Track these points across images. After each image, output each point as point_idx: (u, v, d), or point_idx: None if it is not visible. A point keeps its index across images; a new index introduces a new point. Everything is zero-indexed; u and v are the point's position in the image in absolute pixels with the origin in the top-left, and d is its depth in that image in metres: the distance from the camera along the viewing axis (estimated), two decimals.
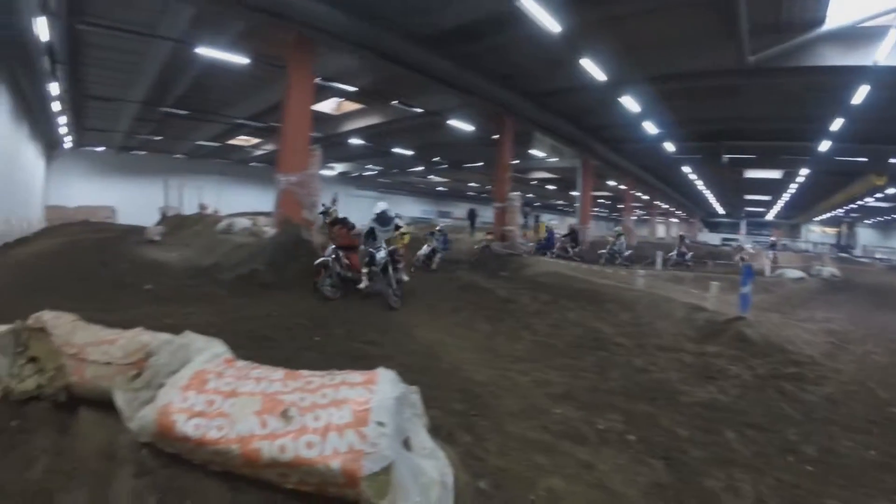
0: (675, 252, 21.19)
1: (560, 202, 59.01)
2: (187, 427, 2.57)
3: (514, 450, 3.54)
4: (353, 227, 10.63)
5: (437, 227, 16.35)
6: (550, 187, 45.94)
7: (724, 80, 15.17)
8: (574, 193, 30.20)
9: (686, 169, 31.85)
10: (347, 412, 2.43)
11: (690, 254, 21.23)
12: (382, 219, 9.85)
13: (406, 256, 11.32)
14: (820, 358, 6.51)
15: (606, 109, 19.50)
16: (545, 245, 20.40)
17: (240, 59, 15.01)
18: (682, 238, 23.67)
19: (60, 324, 3.50)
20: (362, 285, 9.49)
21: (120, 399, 2.90)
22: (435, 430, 3.24)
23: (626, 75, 15.35)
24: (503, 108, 18.86)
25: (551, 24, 11.05)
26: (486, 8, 11.98)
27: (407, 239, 11.47)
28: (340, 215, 11.04)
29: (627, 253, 19.87)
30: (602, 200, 53.64)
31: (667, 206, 50.65)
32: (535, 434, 3.88)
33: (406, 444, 2.55)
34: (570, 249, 19.92)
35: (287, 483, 2.42)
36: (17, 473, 2.83)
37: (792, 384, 5.41)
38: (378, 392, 2.54)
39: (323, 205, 12.33)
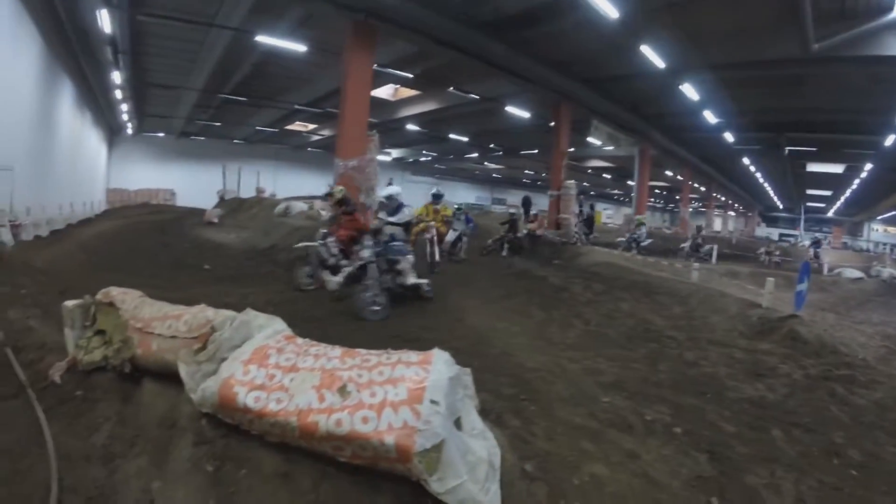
0: (688, 244, 20.50)
1: (616, 191, 58.15)
2: (248, 399, 2.68)
3: (560, 435, 3.55)
4: (352, 210, 8.88)
5: (456, 206, 14.71)
6: (607, 176, 45.37)
7: (788, 69, 14.69)
8: (630, 183, 29.70)
9: (745, 160, 31.04)
10: (403, 390, 2.49)
11: (707, 247, 20.33)
12: (390, 205, 8.65)
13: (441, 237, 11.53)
14: (873, 361, 6.25)
15: (665, 97, 19.15)
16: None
17: (298, 47, 15.24)
18: (698, 229, 22.90)
19: (128, 299, 3.68)
20: (332, 285, 7.83)
21: (184, 371, 3.03)
22: (485, 413, 3.28)
23: (686, 63, 15.06)
24: (560, 94, 18.68)
25: (609, 10, 10.91)
26: None
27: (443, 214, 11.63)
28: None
29: (646, 242, 19.07)
30: (658, 191, 52.61)
31: (724, 199, 49.26)
32: (583, 420, 3.88)
33: (457, 424, 2.59)
34: (584, 236, 19.09)
35: (341, 456, 2.50)
36: (82, 439, 3.00)
37: (842, 386, 5.23)
38: (433, 372, 2.58)
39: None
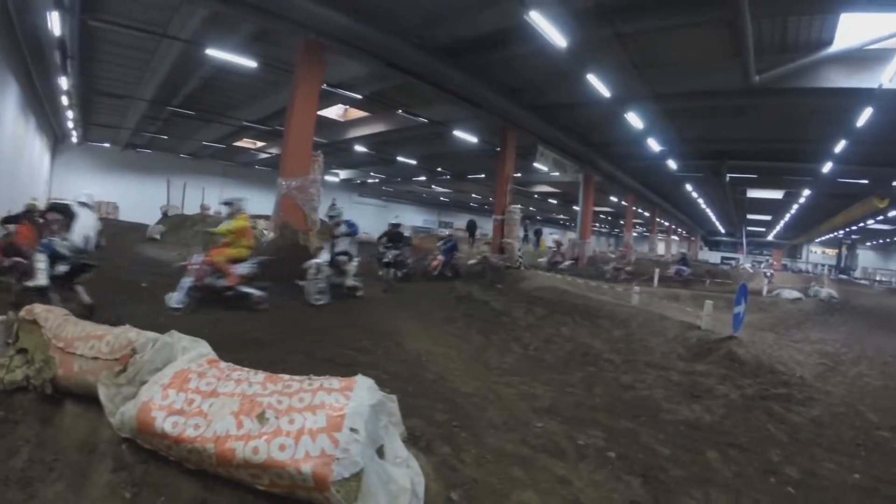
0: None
1: (562, 216, 59.10)
2: (166, 424, 2.63)
3: (490, 462, 3.54)
4: None
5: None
6: (553, 201, 45.90)
7: (730, 99, 15.26)
8: (576, 208, 30.27)
9: (688, 187, 31.96)
10: (322, 417, 2.48)
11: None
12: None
13: None
14: (811, 379, 6.48)
15: (611, 125, 19.56)
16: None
17: (248, 62, 15.08)
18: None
19: (51, 317, 3.58)
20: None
21: (103, 394, 2.97)
22: (414, 440, 3.27)
23: (631, 92, 15.46)
24: (507, 120, 18.94)
25: (558, 39, 11.09)
26: (496, 21, 12.03)
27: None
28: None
29: (566, 264, 20.24)
30: (603, 216, 53.69)
31: (668, 224, 50.61)
32: (514, 447, 3.88)
33: (380, 452, 2.59)
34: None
35: (259, 484, 2.47)
36: (1, 462, 2.89)
37: (779, 405, 5.37)
38: (354, 399, 2.59)
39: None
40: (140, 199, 31.84)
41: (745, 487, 3.61)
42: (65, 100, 22.21)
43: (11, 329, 3.64)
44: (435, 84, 15.12)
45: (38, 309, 3.64)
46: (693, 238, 59.40)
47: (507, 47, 13.23)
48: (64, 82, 19.04)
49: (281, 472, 2.36)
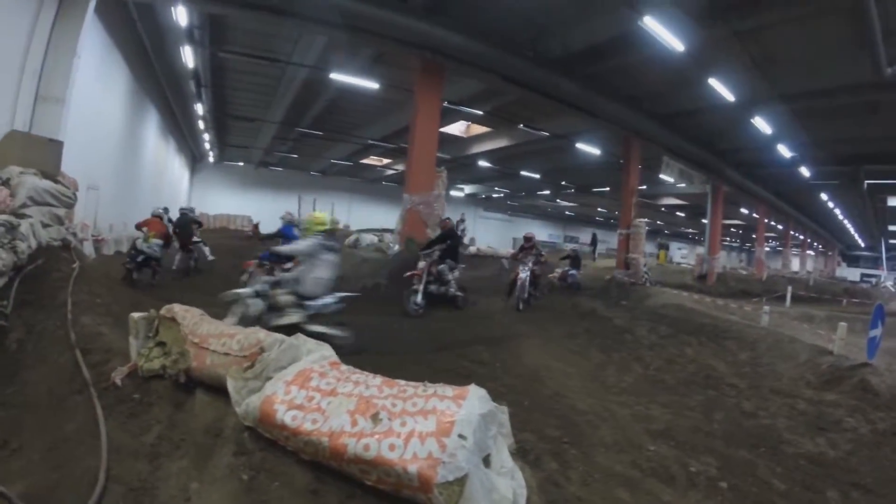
0: (558, 271, 16.54)
1: (690, 230, 56.47)
2: (286, 417, 2.83)
3: (597, 482, 3.49)
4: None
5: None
6: (680, 214, 44.13)
7: (860, 95, 13.90)
8: (704, 221, 28.86)
9: (823, 196, 29.54)
10: (433, 422, 2.56)
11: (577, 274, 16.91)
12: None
13: None
14: None
15: (737, 131, 18.56)
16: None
17: (371, 84, 15.75)
18: (573, 253, 20.23)
19: (188, 316, 3.94)
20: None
21: (231, 386, 3.23)
22: (524, 453, 3.28)
23: (755, 95, 14.62)
24: (629, 130, 18.44)
25: (675, 43, 10.78)
26: (609, 29, 11.86)
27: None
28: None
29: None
30: (734, 229, 50.68)
31: (803, 237, 46.93)
32: (623, 468, 3.79)
33: (486, 461, 2.62)
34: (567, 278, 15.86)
35: (367, 479, 2.59)
36: (133, 437, 3.27)
37: None
38: (465, 407, 2.64)
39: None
40: (273, 213, 33.79)
41: None
42: (201, 124, 24.55)
43: (152, 324, 4.03)
44: (551, 96, 15.02)
45: (177, 308, 4.02)
46: (830, 253, 54.70)
47: (623, 55, 12.95)
48: (199, 108, 21.08)
49: (389, 470, 2.46)
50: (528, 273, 11.43)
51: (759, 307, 12.09)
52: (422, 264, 10.08)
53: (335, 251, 6.48)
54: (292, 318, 5.84)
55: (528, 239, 12.38)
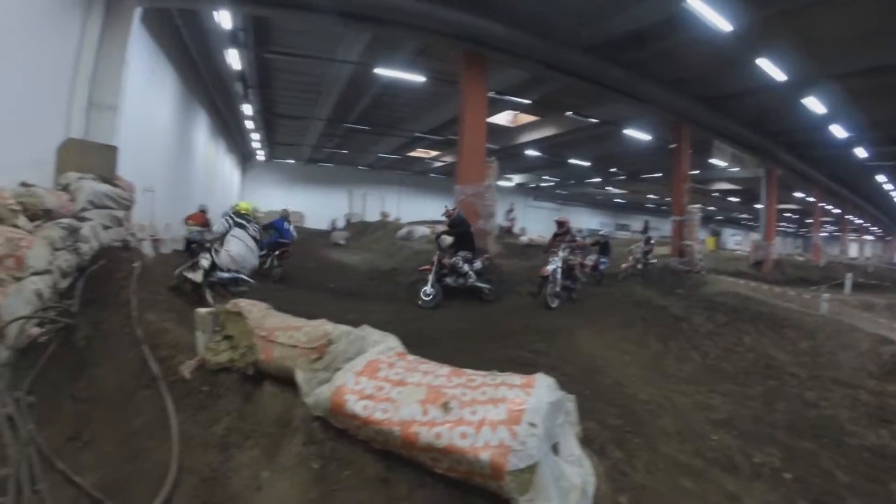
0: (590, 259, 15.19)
1: (744, 216, 54.74)
2: (357, 407, 2.86)
3: (661, 470, 3.48)
4: None
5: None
6: (733, 199, 42.94)
7: None
8: (758, 206, 28.08)
9: (880, 178, 28.33)
10: (503, 410, 2.55)
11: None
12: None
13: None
14: None
15: (789, 112, 17.92)
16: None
17: (416, 77, 15.90)
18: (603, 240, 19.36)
19: (254, 310, 4.05)
20: None
21: (300, 377, 3.30)
22: (587, 441, 3.27)
23: (807, 73, 14.08)
24: (678, 114, 18.10)
25: (722, 23, 10.57)
26: (654, 12, 11.62)
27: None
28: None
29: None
30: (788, 214, 49.14)
31: (860, 222, 45.19)
32: (687, 458, 3.78)
33: (554, 449, 2.62)
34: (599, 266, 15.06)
35: (438, 467, 2.61)
36: (203, 428, 3.41)
37: None
38: (534, 395, 2.63)
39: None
40: (324, 208, 34.98)
41: None
42: (249, 124, 25.07)
43: (219, 319, 4.15)
44: (598, 83, 14.93)
45: (243, 303, 4.14)
46: (889, 238, 52.57)
47: (669, 38, 12.73)
48: (247, 109, 21.55)
49: (460, 458, 2.48)
50: (559, 264, 10.45)
51: (818, 295, 11.79)
52: (435, 257, 10.13)
53: (247, 231, 7.59)
54: (196, 276, 7.12)
55: (560, 224, 11.95)
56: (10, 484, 2.90)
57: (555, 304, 10.02)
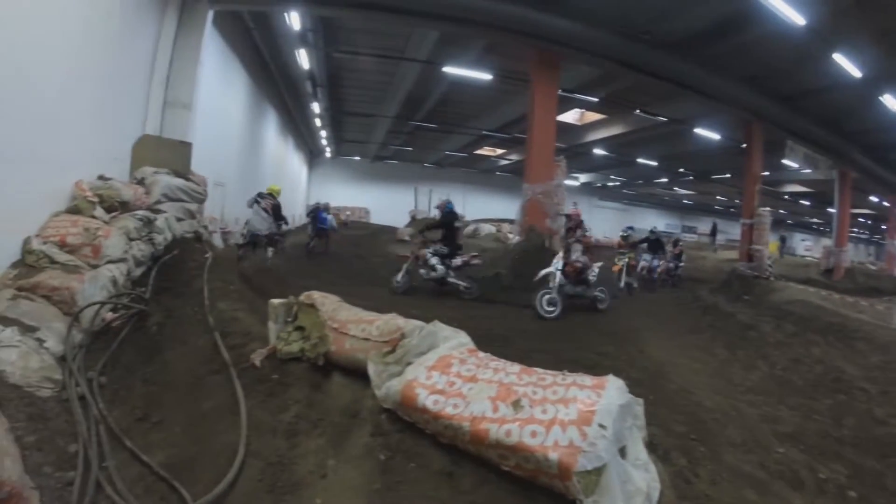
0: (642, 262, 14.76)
1: (815, 220, 52.36)
2: (427, 401, 2.94)
3: (725, 481, 3.43)
4: None
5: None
6: (804, 203, 40.84)
7: None
8: (831, 210, 26.97)
9: None
10: (573, 410, 2.58)
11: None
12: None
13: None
14: None
15: (866, 111, 16.98)
16: None
17: (483, 76, 15.96)
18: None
19: (327, 302, 4.18)
20: None
21: (372, 369, 3.40)
22: (652, 447, 3.25)
23: (884, 69, 13.37)
24: (750, 112, 17.36)
25: (795, 17, 10.23)
26: (726, 6, 11.34)
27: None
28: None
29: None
30: (862, 219, 46.79)
31: None
32: (751, 469, 3.71)
33: (622, 452, 2.63)
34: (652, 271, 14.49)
35: (505, 465, 2.65)
36: (271, 415, 3.51)
37: None
38: (605, 397, 2.66)
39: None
40: (389, 204, 35.72)
41: None
42: (317, 122, 25.65)
43: (291, 310, 4.28)
44: (666, 79, 14.58)
45: (316, 295, 4.26)
46: None
47: (741, 33, 12.32)
48: (315, 107, 22.05)
49: (528, 457, 2.50)
50: (559, 266, 9.08)
51: (891, 306, 11.30)
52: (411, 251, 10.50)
53: (260, 205, 10.69)
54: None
55: (569, 217, 11.60)
56: (80, 460, 3.08)
57: (552, 313, 8.66)
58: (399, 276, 10.17)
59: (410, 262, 10.26)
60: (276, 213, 10.95)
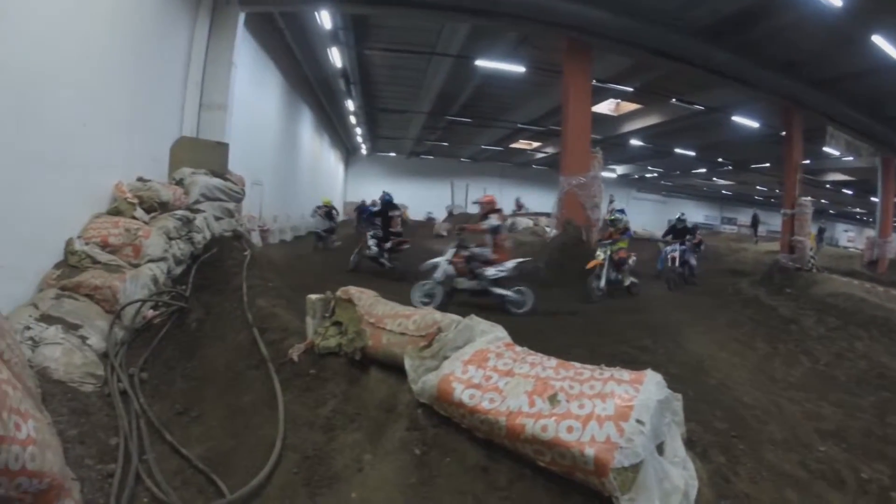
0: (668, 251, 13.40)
1: (857, 209, 50.71)
2: (464, 395, 2.95)
3: (765, 479, 3.36)
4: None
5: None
6: (846, 191, 39.59)
7: None
8: (874, 199, 26.20)
9: None
10: (611, 405, 2.55)
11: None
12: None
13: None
14: None
15: None
16: None
17: (516, 68, 15.93)
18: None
19: (364, 297, 4.23)
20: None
21: (408, 364, 3.42)
22: (691, 444, 3.22)
23: None
24: (789, 99, 16.90)
25: None
26: None
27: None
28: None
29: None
30: None
31: None
32: (792, 468, 3.63)
33: (660, 448, 2.60)
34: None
35: (541, 460, 2.62)
36: (308, 409, 3.58)
37: None
38: (643, 392, 2.62)
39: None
40: (426, 200, 35.68)
41: None
42: (352, 119, 26.00)
43: (329, 305, 4.36)
44: (701, 66, 14.35)
45: (353, 290, 4.31)
46: None
47: (776, 17, 12.08)
48: (350, 104, 22.35)
49: (564, 452, 2.48)
50: (451, 261, 8.43)
51: None
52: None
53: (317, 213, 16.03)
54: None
55: (482, 204, 9.64)
56: (120, 453, 3.17)
57: (428, 304, 7.72)
58: (352, 257, 11.80)
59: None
60: (328, 216, 15.99)
